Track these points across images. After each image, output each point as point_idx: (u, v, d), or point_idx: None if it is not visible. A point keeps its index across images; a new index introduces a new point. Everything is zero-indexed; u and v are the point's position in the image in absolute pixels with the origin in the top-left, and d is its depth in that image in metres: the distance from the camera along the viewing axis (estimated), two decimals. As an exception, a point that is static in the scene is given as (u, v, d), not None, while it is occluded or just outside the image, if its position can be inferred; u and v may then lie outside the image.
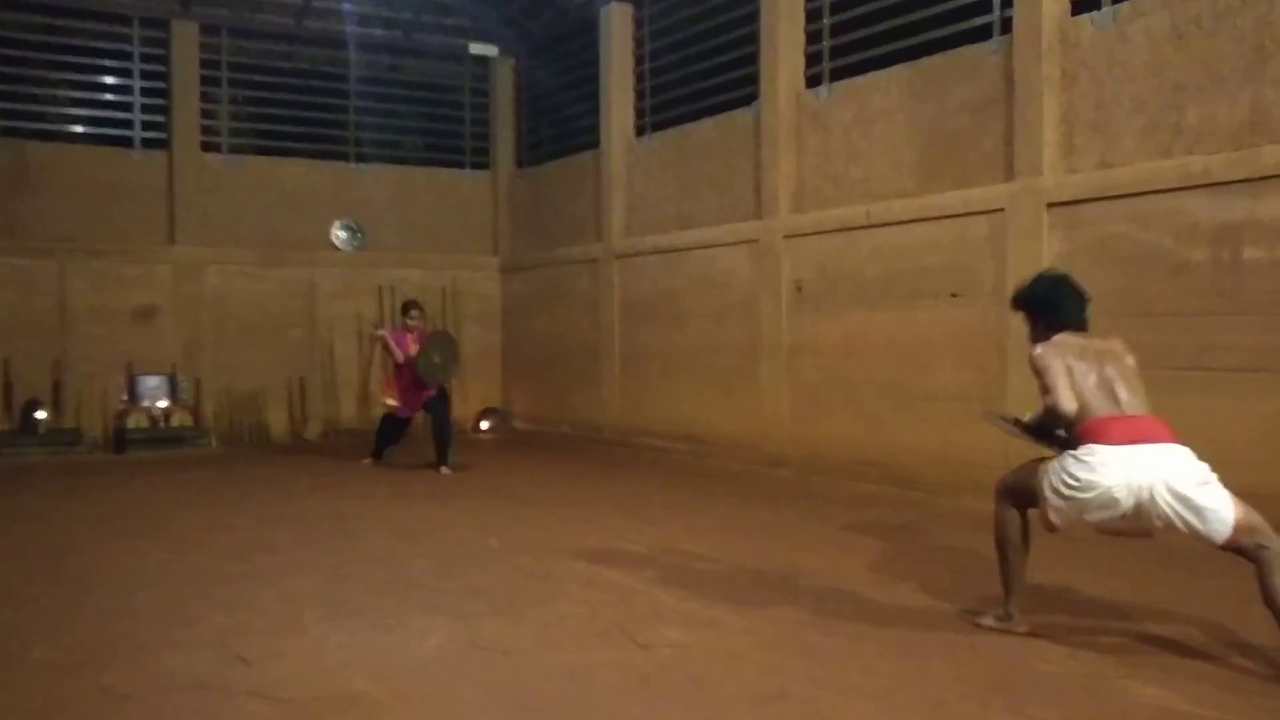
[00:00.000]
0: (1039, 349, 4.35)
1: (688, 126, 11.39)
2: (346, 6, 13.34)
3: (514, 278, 14.58)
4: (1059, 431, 4.33)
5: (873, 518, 7.36)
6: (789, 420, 9.87)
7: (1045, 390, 4.24)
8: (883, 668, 4.12)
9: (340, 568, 5.90)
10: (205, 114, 13.00)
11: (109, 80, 12.78)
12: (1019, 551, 4.50)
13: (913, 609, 4.99)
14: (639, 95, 12.29)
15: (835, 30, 9.63)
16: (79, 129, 12.70)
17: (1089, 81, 7.45)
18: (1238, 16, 6.61)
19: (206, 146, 12.97)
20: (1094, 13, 7.43)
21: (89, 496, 8.69)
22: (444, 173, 14.58)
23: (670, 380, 11.45)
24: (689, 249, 11.17)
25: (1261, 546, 3.91)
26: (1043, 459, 4.38)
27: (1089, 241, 7.38)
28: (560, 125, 14.07)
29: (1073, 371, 4.21)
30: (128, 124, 12.74)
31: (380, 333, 10.64)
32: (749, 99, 10.44)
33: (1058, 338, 4.36)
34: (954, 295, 8.34)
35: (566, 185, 13.50)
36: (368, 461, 10.43)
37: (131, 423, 11.78)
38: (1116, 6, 7.30)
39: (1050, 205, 7.59)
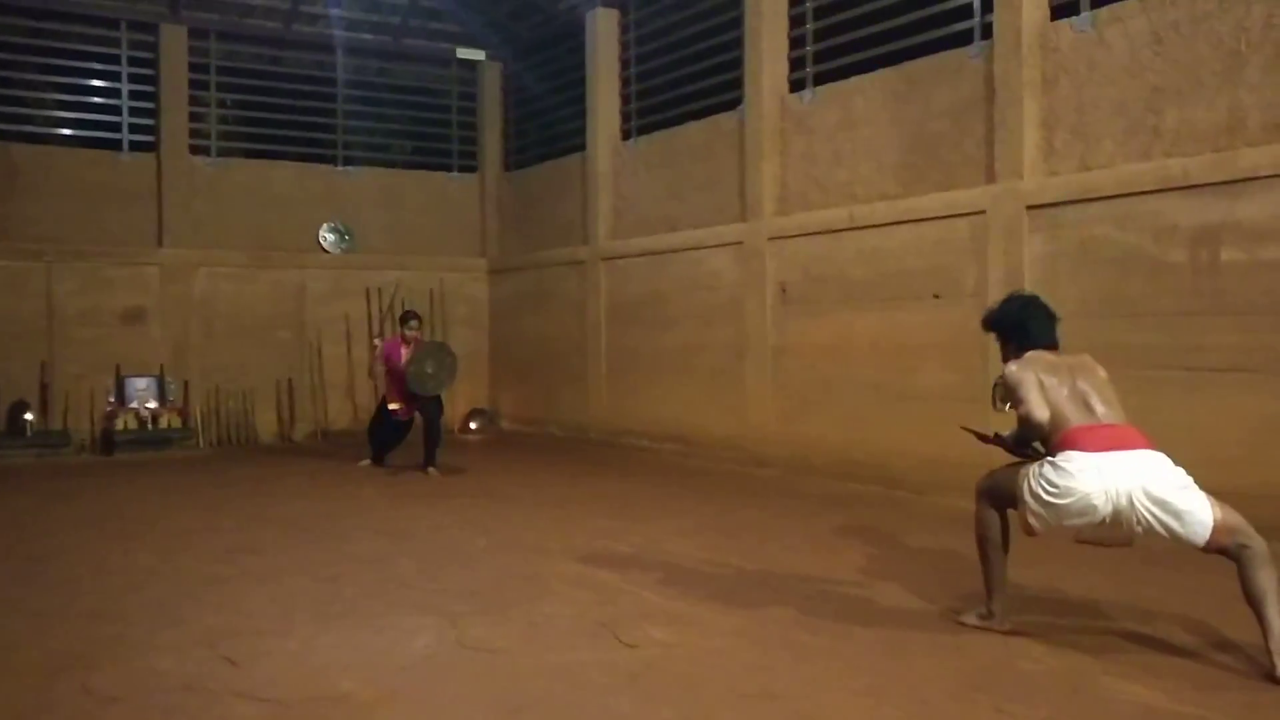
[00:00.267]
0: (1012, 365, 4.45)
1: (673, 130, 11.44)
2: (334, 11, 13.34)
3: (501, 279, 14.61)
4: (1036, 445, 4.41)
5: (858, 517, 7.41)
6: (775, 420, 9.92)
7: (1019, 402, 4.31)
8: (868, 666, 4.16)
9: (328, 568, 5.92)
10: (194, 117, 13.00)
11: (97, 83, 12.77)
12: (1000, 551, 4.56)
13: (897, 608, 5.03)
14: (625, 99, 12.34)
15: (819, 35, 9.70)
16: (67, 131, 12.69)
17: (1069, 85, 7.52)
18: (1215, 21, 6.69)
19: (195, 149, 12.97)
20: (1074, 17, 7.51)
21: (77, 498, 8.69)
22: (432, 175, 14.61)
23: (657, 381, 11.49)
24: (675, 251, 11.22)
25: (1243, 545, 3.96)
26: (1023, 462, 4.44)
27: (1069, 243, 7.45)
28: (547, 128, 14.10)
29: (1045, 385, 4.29)
30: (116, 127, 12.73)
31: (376, 342, 10.68)
32: (734, 102, 10.50)
33: (1030, 354, 4.45)
34: (936, 297, 8.41)
35: (553, 188, 13.54)
36: (365, 463, 10.41)
37: (120, 424, 11.76)
38: (1096, 11, 7.38)
39: (1031, 208, 7.66)
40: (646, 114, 12.01)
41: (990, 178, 7.99)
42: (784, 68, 9.97)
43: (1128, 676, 3.97)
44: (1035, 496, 4.21)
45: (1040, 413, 4.23)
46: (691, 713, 3.69)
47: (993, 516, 4.53)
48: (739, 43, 10.35)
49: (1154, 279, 6.97)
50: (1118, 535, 4.17)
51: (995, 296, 7.53)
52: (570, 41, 13.08)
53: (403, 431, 10.40)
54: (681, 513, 7.72)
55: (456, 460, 10.49)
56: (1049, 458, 4.22)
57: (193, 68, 12.91)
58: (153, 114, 12.77)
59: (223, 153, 13.24)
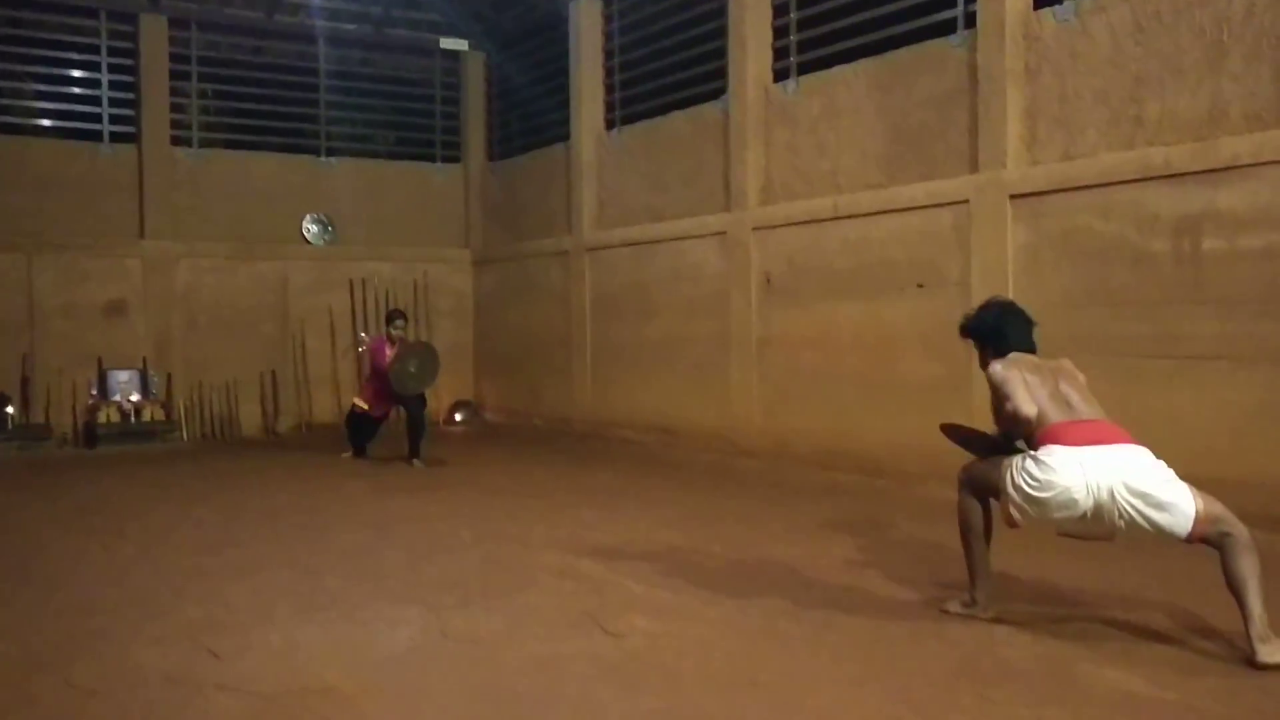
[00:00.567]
0: (996, 365, 4.46)
1: (657, 120, 11.42)
2: (316, 1, 13.28)
3: (485, 271, 14.58)
4: (1018, 443, 4.42)
5: (842, 507, 7.43)
6: (759, 411, 9.94)
7: (1005, 398, 4.32)
8: (852, 654, 4.18)
9: (312, 561, 5.91)
10: (175, 108, 12.89)
11: (77, 74, 12.66)
12: (982, 539, 4.59)
13: (881, 597, 5.05)
14: (609, 89, 12.30)
15: (802, 25, 9.68)
16: (47, 123, 12.57)
17: (1051, 75, 7.54)
18: (1197, 11, 6.71)
19: (176, 141, 12.87)
20: (1056, 7, 7.52)
21: (59, 492, 8.64)
22: (415, 166, 14.55)
23: (641, 372, 11.48)
24: (659, 241, 11.21)
25: (1225, 533, 3.99)
26: (1005, 455, 4.45)
27: (1052, 233, 7.48)
28: (531, 119, 14.05)
29: (1029, 383, 4.32)
30: (96, 118, 12.63)
31: (363, 337, 10.69)
32: (717, 93, 10.48)
33: (1011, 356, 4.48)
34: (920, 286, 8.42)
35: (537, 179, 13.50)
36: (347, 455, 10.45)
37: (102, 418, 11.69)
38: (1078, 1, 7.39)
39: (1014, 197, 7.68)
40: (630, 104, 11.99)
41: (973, 167, 8.00)
42: (767, 58, 9.96)
43: (1110, 663, 4.00)
44: (1017, 489, 4.23)
45: (1029, 409, 4.24)
46: (676, 702, 3.70)
47: (975, 506, 4.55)
48: (722, 33, 10.33)
49: (1136, 268, 6.99)
50: (1099, 529, 4.21)
51: (978, 286, 7.61)
52: (553, 31, 13.04)
53: (379, 424, 10.50)
54: (666, 503, 7.73)
55: (441, 452, 10.47)
56: (1030, 452, 4.25)
57: (173, 58, 12.81)
58: (133, 105, 12.68)
59: (204, 144, 13.16)
